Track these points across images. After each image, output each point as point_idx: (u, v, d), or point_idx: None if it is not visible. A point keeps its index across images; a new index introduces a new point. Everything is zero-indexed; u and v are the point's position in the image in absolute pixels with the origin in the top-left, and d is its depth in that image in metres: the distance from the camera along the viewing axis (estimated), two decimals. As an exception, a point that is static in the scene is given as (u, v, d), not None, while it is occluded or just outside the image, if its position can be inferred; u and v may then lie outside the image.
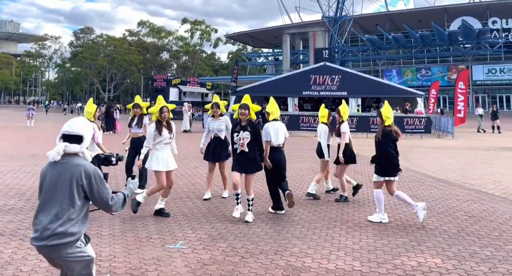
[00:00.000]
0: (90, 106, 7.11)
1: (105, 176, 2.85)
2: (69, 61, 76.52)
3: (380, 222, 5.97)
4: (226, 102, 8.40)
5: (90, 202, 2.90)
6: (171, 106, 6.53)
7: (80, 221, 2.81)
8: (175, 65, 77.99)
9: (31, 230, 5.35)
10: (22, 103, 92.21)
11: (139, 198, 6.11)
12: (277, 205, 6.44)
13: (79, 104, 62.40)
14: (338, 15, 55.98)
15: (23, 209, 6.40)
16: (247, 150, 5.99)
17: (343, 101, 7.99)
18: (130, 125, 7.97)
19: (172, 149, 6.43)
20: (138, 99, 8.27)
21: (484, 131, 25.42)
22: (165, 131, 6.18)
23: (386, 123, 6.18)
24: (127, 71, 66.31)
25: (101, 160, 3.18)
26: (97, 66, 64.90)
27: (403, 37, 53.88)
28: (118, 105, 44.23)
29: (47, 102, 67.49)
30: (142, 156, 6.39)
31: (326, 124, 7.71)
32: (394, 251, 4.79)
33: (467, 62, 54.70)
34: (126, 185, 3.22)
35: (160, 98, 6.59)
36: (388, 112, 6.22)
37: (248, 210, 6.06)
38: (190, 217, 6.13)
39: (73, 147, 2.84)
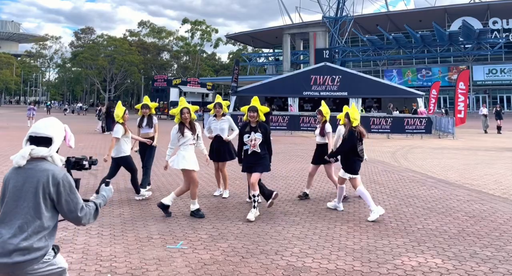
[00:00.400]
0: (119, 109, 7.25)
1: (77, 182, 2.67)
2: (69, 61, 76.53)
3: (378, 216, 6.05)
4: (228, 102, 8.43)
5: None
6: (194, 108, 6.45)
7: (47, 234, 2.45)
8: (175, 65, 78.00)
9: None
10: (23, 103, 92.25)
11: (193, 207, 6.17)
12: (267, 196, 6.51)
13: (79, 104, 62.39)
14: (338, 15, 55.96)
15: (24, 209, 6.40)
16: (259, 150, 6.11)
17: (323, 101, 7.84)
18: (140, 126, 8.05)
19: (201, 150, 6.51)
20: (146, 100, 8.37)
21: (486, 132, 25.07)
22: (187, 132, 6.15)
23: (354, 124, 6.44)
24: (128, 71, 66.28)
25: (72, 164, 2.76)
26: (97, 66, 64.87)
27: (404, 37, 53.83)
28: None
29: (49, 102, 67.58)
30: (167, 157, 6.31)
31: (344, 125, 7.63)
32: (394, 251, 4.79)
33: (468, 63, 54.71)
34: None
35: (182, 99, 6.58)
36: (355, 114, 6.49)
37: (253, 207, 6.11)
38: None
39: (40, 151, 2.49)
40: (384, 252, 4.76)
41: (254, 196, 6.13)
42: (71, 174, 2.64)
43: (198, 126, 6.38)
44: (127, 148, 7.21)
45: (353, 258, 4.57)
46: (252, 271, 4.19)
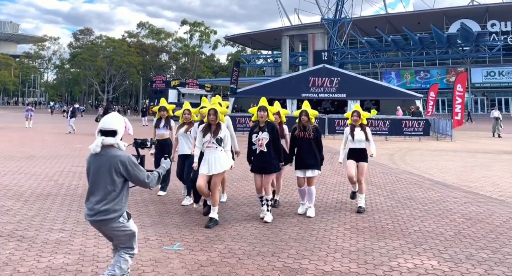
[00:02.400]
0: (187, 108, 7.48)
1: (142, 157, 3.70)
2: (68, 62, 76.38)
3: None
4: (228, 103, 8.31)
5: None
6: (223, 110, 6.23)
7: (121, 200, 3.45)
8: (174, 67, 77.91)
9: (28, 231, 5.38)
10: (21, 104, 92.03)
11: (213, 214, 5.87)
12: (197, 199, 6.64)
13: (76, 105, 62.15)
14: (337, 17, 56.12)
15: (21, 210, 6.40)
16: (265, 150, 6.09)
17: (276, 102, 7.32)
18: (157, 126, 7.99)
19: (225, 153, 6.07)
20: (163, 102, 8.30)
21: (499, 136, 23.89)
22: (207, 134, 5.97)
23: (312, 121, 6.68)
24: (126, 72, 66.11)
25: (139, 145, 3.75)
26: (96, 67, 64.70)
27: (402, 40, 54.00)
28: (117, 107, 44.18)
29: (52, 103, 67.61)
30: (196, 158, 6.17)
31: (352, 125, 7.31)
32: (390, 253, 4.80)
33: (466, 65, 54.85)
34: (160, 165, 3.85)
35: (217, 97, 6.66)
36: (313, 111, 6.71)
37: (267, 210, 6.12)
38: (187, 218, 6.14)
39: (108, 140, 3.43)
40: (381, 254, 4.77)
41: (267, 200, 6.13)
42: (138, 152, 3.73)
43: (222, 129, 5.99)
44: (182, 148, 7.29)
45: (350, 260, 4.57)
46: (248, 272, 4.20)
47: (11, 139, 18.20)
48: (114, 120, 3.52)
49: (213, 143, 5.91)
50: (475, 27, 51.86)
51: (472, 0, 59.09)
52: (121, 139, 3.51)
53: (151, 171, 3.60)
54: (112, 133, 3.45)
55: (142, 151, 3.77)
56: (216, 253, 4.70)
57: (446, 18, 56.26)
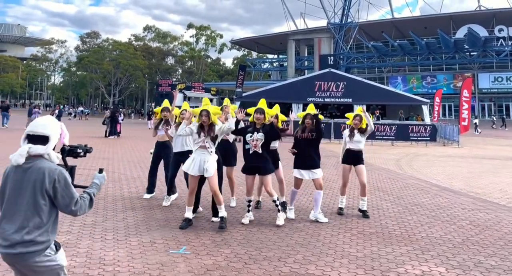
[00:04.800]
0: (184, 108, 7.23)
1: (72, 169, 2.80)
2: (74, 65, 76.89)
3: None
4: (236, 106, 8.26)
5: None
6: (216, 112, 6.17)
7: (49, 228, 2.58)
8: (180, 70, 78.26)
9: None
10: (28, 106, 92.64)
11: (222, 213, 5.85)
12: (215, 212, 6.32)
13: (81, 108, 62.52)
14: (343, 22, 56.08)
15: (28, 212, 6.41)
16: (260, 151, 6.05)
17: (276, 105, 7.26)
18: (157, 128, 7.83)
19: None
20: (166, 103, 8.19)
21: None
22: (202, 134, 5.93)
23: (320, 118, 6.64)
24: (132, 75, 66.44)
25: (67, 152, 2.86)
26: (102, 70, 65.07)
27: (409, 44, 53.83)
28: (123, 109, 44.34)
29: (62, 106, 68.15)
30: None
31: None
32: (398, 259, 4.77)
33: (473, 70, 54.58)
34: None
35: (226, 100, 6.77)
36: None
37: (278, 211, 6.12)
38: (193, 222, 6.13)
39: (37, 149, 2.59)
40: (388, 260, 4.74)
41: (274, 201, 6.10)
42: (66, 162, 2.80)
43: (215, 130, 5.92)
44: (177, 146, 7.21)
45: (357, 266, 4.54)
46: (255, 277, 4.18)
47: (17, 140, 18.27)
48: (47, 123, 2.70)
49: (206, 142, 5.86)
50: (482, 32, 51.62)
51: (479, 5, 58.94)
52: (54, 149, 2.69)
53: (85, 187, 2.80)
54: (43, 139, 2.62)
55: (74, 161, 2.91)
56: (222, 258, 4.69)
57: (453, 23, 56.08)
